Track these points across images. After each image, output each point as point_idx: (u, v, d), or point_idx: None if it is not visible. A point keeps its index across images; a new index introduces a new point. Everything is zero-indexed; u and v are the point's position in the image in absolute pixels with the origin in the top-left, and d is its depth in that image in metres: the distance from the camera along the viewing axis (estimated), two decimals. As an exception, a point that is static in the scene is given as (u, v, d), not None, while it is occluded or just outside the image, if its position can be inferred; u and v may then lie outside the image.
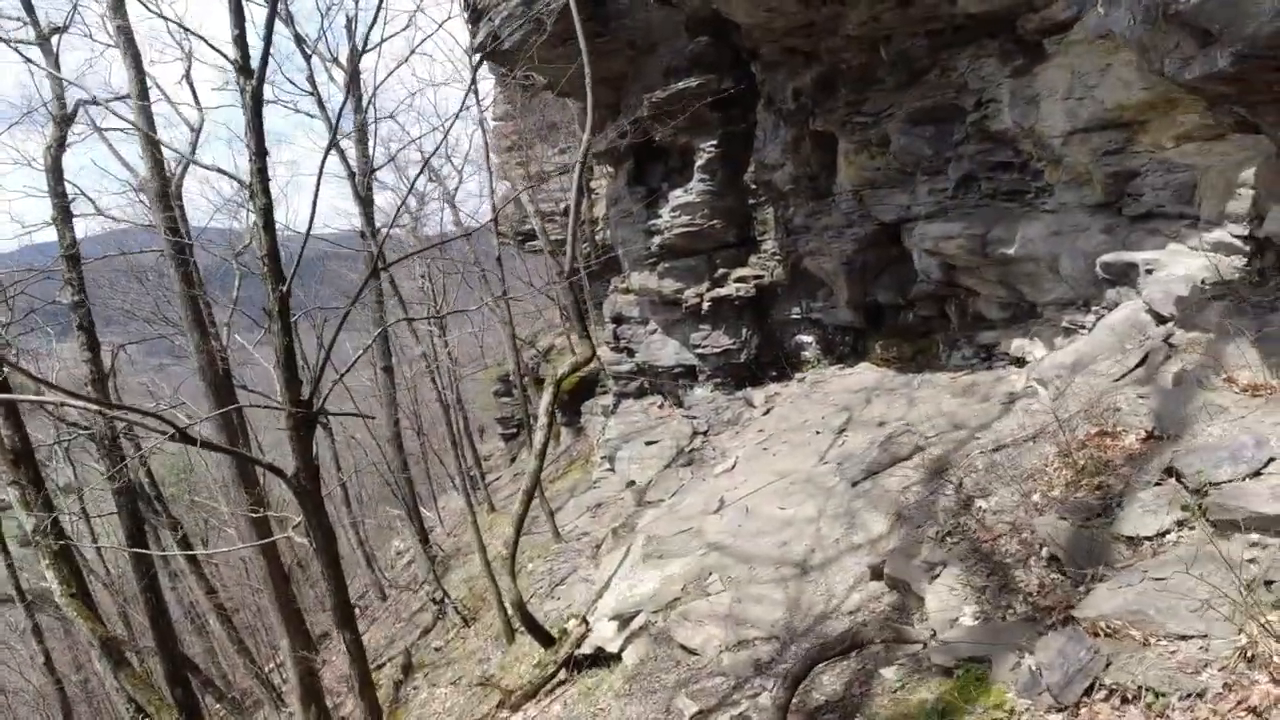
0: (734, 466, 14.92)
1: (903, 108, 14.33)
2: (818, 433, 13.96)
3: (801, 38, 15.26)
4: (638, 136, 19.98)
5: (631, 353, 22.34)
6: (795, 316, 18.48)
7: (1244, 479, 5.71)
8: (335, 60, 23.95)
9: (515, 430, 33.47)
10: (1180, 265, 10.04)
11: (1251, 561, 5.20)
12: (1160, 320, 9.17)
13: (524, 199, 30.21)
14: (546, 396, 12.05)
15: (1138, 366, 8.37)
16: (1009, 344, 13.28)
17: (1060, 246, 11.74)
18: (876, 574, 8.17)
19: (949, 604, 6.67)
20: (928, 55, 13.58)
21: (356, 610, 30.31)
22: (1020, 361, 12.96)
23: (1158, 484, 6.32)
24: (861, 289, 16.60)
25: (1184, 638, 4.87)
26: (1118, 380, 8.40)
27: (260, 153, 6.97)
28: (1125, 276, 10.80)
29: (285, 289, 7.39)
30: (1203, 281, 9.45)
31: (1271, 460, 5.75)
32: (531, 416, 31.82)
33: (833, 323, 17.67)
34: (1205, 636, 4.81)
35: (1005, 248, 12.31)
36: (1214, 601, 4.89)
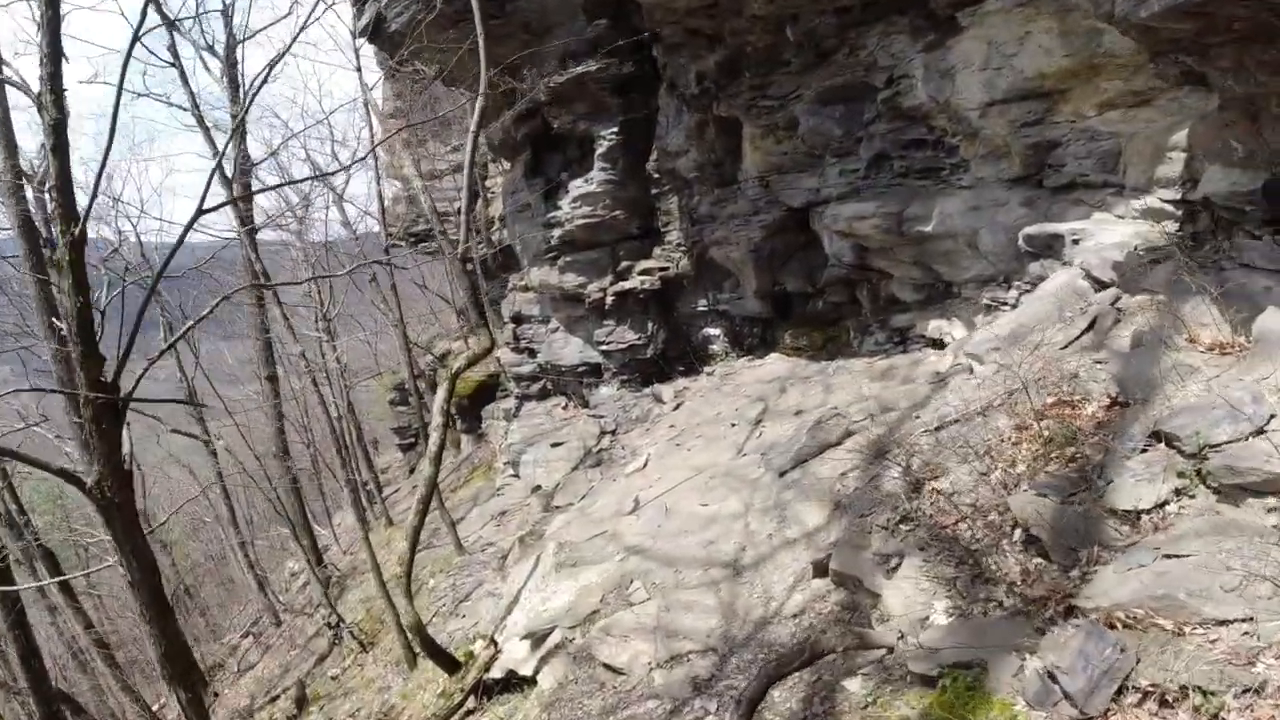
0: (646, 465, 13.81)
1: (811, 88, 13.54)
2: (733, 425, 12.98)
3: (705, 18, 14.32)
4: (535, 126, 18.76)
5: (533, 353, 21.01)
6: (702, 309, 17.53)
7: (1247, 438, 4.90)
8: (210, 49, 21.79)
9: (413, 440, 31.57)
10: (1109, 234, 9.43)
11: (1277, 528, 4.35)
12: (1099, 286, 8.48)
13: (419, 198, 28.53)
14: (440, 394, 10.65)
15: (1085, 332, 7.62)
16: (925, 326, 12.59)
17: (979, 221, 11.08)
18: (820, 570, 7.15)
19: (914, 600, 5.68)
20: (836, 34, 12.80)
21: (249, 639, 27.99)
22: (938, 343, 12.28)
23: (1144, 450, 5.49)
24: (769, 277, 15.76)
25: (1224, 623, 3.98)
26: (1064, 348, 7.63)
27: (55, 54, 5.41)
28: (1049, 249, 10.17)
29: (79, 230, 5.71)
30: (1136, 248, 8.84)
31: (1274, 417, 4.95)
32: (428, 424, 30.11)
33: (740, 314, 16.78)
34: (1250, 620, 3.92)
35: (922, 225, 11.59)
36: (1251, 578, 4.00)
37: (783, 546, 7.94)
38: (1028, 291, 10.75)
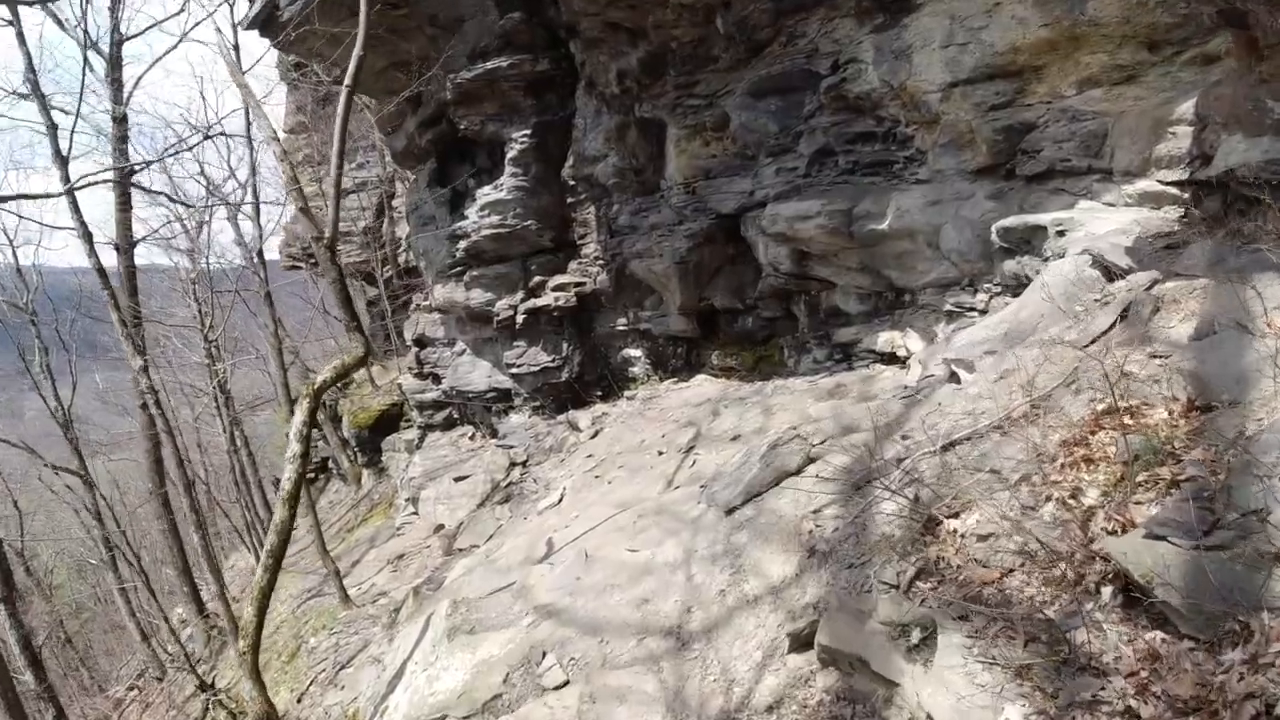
0: (561, 500, 11.55)
1: (743, 81, 11.73)
2: (660, 453, 10.84)
3: (626, 9, 12.41)
4: (441, 131, 16.48)
5: (438, 379, 18.50)
6: (622, 328, 15.41)
7: None
8: (94, 45, 18.67)
9: (313, 475, 28.38)
10: (1100, 223, 7.74)
11: None
12: (1111, 275, 6.71)
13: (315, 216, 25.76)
14: (299, 415, 8.16)
15: (1114, 325, 5.78)
16: (872, 340, 10.75)
17: (941, 217, 9.32)
18: (800, 643, 5.02)
19: (972, 701, 3.59)
20: (771, 23, 11.07)
21: (133, 692, 24.08)
22: (890, 358, 10.44)
23: (1301, 470, 3.56)
24: (695, 293, 13.77)
25: None
26: (1088, 345, 5.77)
27: None
28: (1028, 244, 8.44)
29: None
30: (1141, 235, 7.15)
31: None
32: (330, 460, 27.03)
33: (664, 333, 14.72)
34: None
35: (875, 223, 9.77)
36: None
37: (742, 607, 5.77)
38: (999, 294, 9.00)
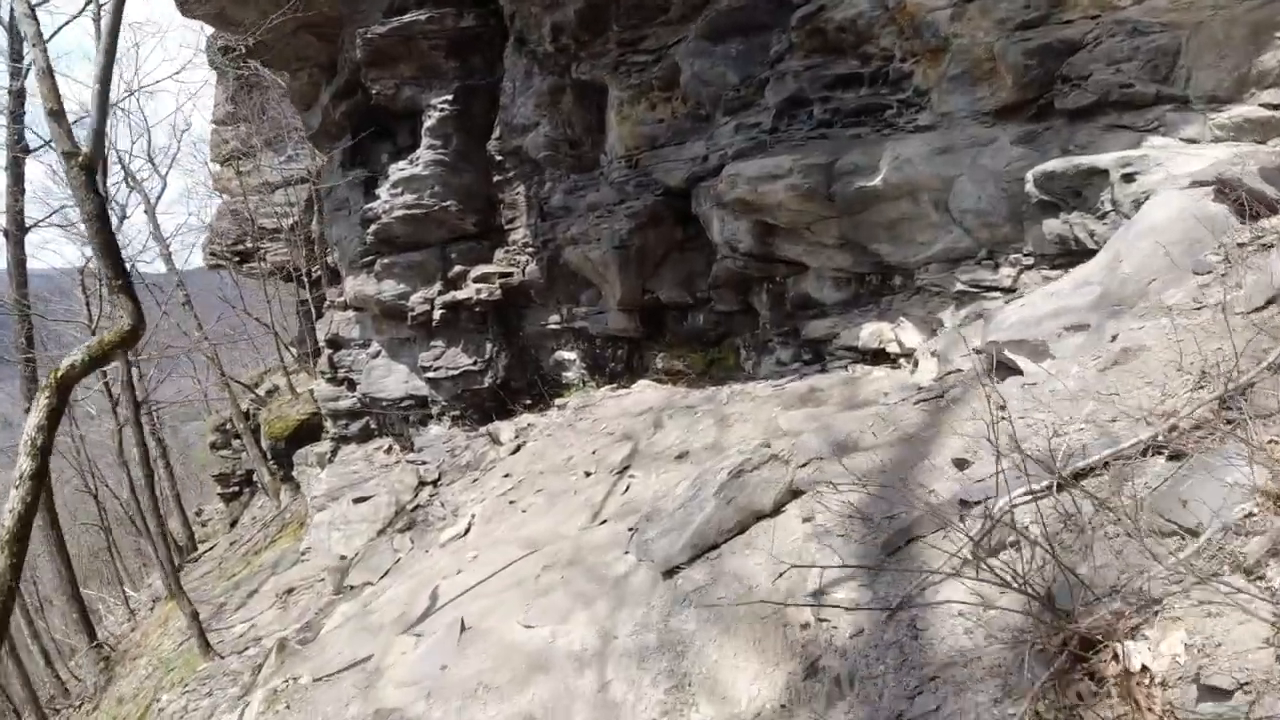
0: (468, 531, 8.68)
1: (698, 22, 9.08)
2: (588, 474, 8.01)
3: (560, -54, 9.79)
4: (356, 103, 13.54)
5: (352, 384, 15.42)
6: (555, 326, 12.55)
7: None
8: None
9: (236, 489, 24.88)
10: (1185, 162, 5.15)
11: None
12: (1246, 212, 4.09)
13: (245, 212, 22.54)
14: (34, 417, 5.01)
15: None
16: (853, 334, 8.03)
17: (954, 168, 6.68)
18: None
19: None
20: (730, -51, 8.47)
21: None
22: (877, 355, 7.73)
23: None
24: (638, 284, 10.98)
25: None
26: (1265, 308, 3.14)
27: None
28: (1077, 195, 5.83)
29: None
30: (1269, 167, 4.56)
31: None
32: (254, 472, 23.59)
33: (602, 332, 11.88)
34: None
35: (865, 178, 7.09)
36: None
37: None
38: (1031, 267, 6.37)
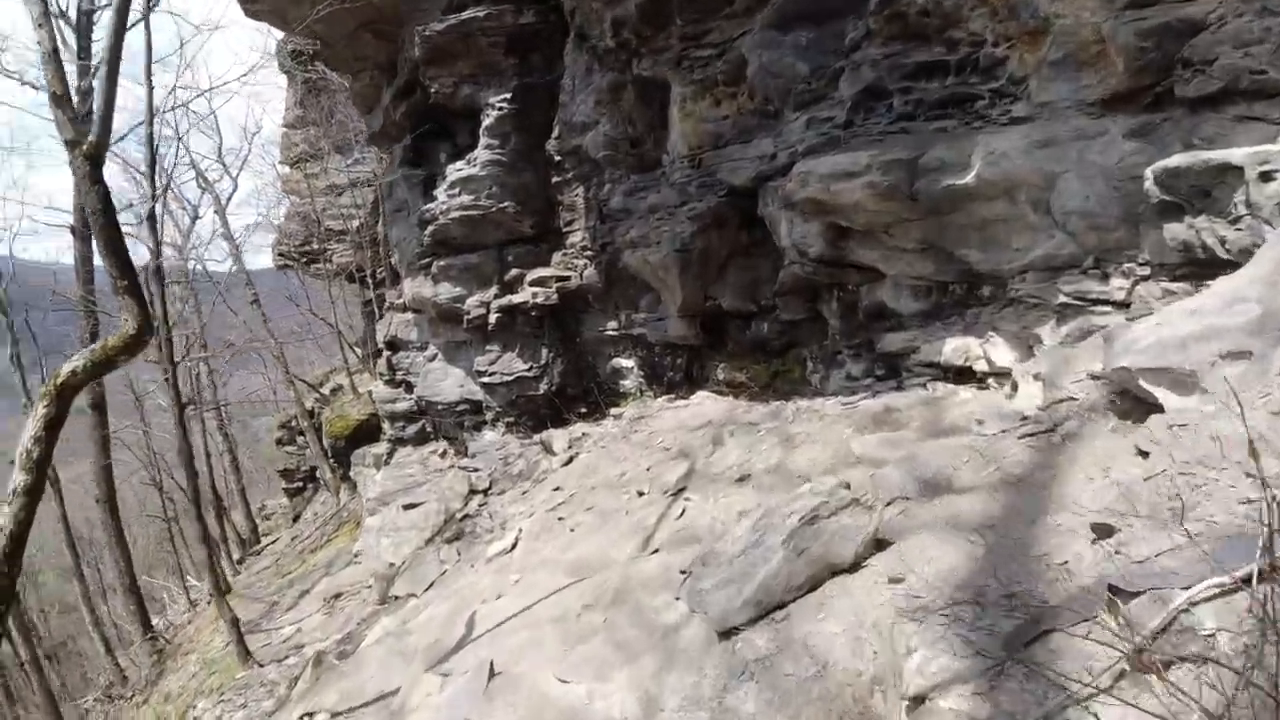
0: (514, 548, 8.18)
1: (765, 9, 8.40)
2: (641, 494, 7.40)
3: (622, -64, 9.25)
4: (416, 102, 13.26)
5: (410, 387, 15.16)
6: (612, 332, 12.00)
7: None
8: (63, 14, 15.41)
9: (300, 485, 25.13)
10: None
11: None
12: None
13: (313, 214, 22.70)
14: (30, 427, 4.57)
15: None
16: (934, 348, 7.24)
17: (1057, 163, 5.85)
18: None
19: None
20: (802, -65, 7.77)
21: (99, 704, 20.69)
22: (961, 373, 6.93)
23: None
24: (699, 289, 10.34)
25: None
26: None
27: None
28: (1206, 196, 4.97)
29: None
30: None
31: None
32: (318, 469, 23.75)
33: (661, 339, 11.27)
34: None
35: (953, 176, 6.31)
36: None
37: None
38: (1148, 279, 5.51)
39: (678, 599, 4.26)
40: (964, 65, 6.86)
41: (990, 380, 6.54)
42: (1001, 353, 6.45)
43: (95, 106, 4.39)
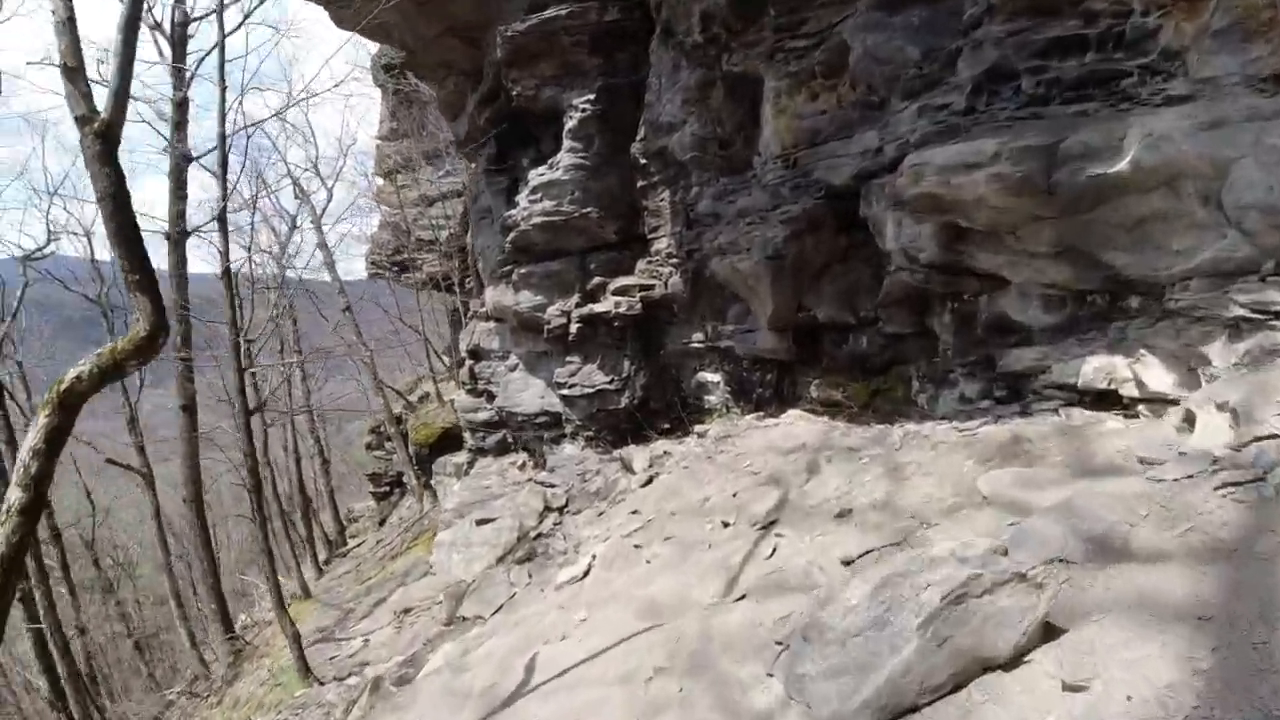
0: (587, 575, 7.54)
1: (868, -7, 7.58)
2: (725, 524, 6.64)
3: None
4: (499, 108, 12.94)
5: (491, 396, 14.83)
6: (697, 345, 11.28)
7: None
8: (158, 25, 15.89)
9: (387, 489, 25.35)
10: None
11: None
12: None
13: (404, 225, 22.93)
14: (31, 437, 4.08)
15: None
16: (1069, 368, 6.20)
17: (1232, 146, 4.81)
18: None
19: None
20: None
21: (183, 697, 21.25)
22: (1104, 398, 5.90)
23: None
24: (792, 299, 9.52)
25: None
26: None
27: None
28: None
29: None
30: None
31: None
32: (400, 473, 23.88)
33: (749, 353, 10.48)
34: None
35: (1103, 163, 5.32)
36: None
37: None
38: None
39: (770, 675, 3.49)
40: (1106, 39, 5.87)
41: (1140, 407, 5.50)
42: (1156, 375, 5.41)
43: (110, 81, 3.96)
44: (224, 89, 10.06)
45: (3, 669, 20.67)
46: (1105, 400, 5.86)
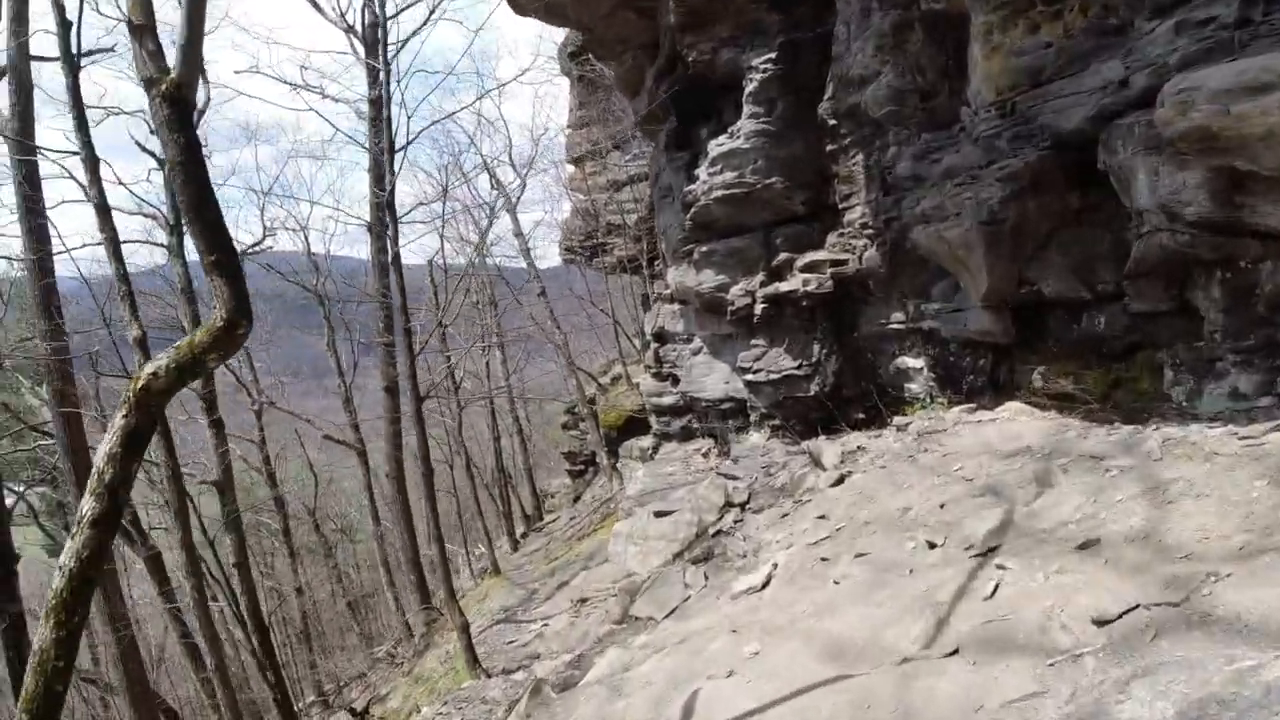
0: (765, 586, 6.81)
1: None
2: (931, 544, 5.59)
3: None
4: (678, 79, 12.29)
5: (676, 380, 14.36)
6: (896, 326, 10.04)
7: None
8: (351, 29, 16.82)
9: (581, 468, 25.87)
10: None
11: None
12: None
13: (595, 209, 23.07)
14: (106, 443, 3.64)
15: None
16: None
17: None
18: None
19: None
20: None
21: (386, 662, 22.90)
22: None
23: None
24: (1011, 272, 8.07)
25: None
26: None
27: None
28: None
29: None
30: None
31: None
32: (593, 453, 24.22)
33: (958, 335, 9.12)
34: None
35: None
36: None
37: None
38: None
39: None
40: None
41: None
42: None
43: (178, 39, 3.57)
44: (387, 67, 10.12)
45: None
46: None
